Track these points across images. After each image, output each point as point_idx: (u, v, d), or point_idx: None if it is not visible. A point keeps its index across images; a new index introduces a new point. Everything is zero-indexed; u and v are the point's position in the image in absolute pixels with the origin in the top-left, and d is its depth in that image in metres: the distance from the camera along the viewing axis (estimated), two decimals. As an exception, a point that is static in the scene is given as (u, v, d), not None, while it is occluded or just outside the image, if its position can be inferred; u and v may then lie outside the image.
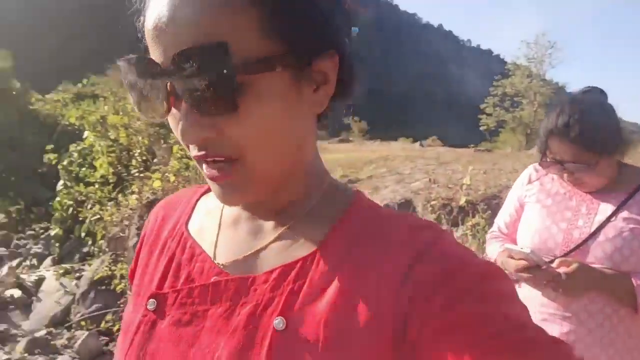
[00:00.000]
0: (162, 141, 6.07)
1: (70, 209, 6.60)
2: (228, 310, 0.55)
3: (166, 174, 5.18)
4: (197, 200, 0.71)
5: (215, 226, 0.64)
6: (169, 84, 0.48)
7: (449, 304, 0.47)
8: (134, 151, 6.18)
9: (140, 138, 6.27)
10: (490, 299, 0.48)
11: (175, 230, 0.67)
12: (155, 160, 5.99)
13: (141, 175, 5.60)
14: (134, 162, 6.04)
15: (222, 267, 0.59)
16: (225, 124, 0.48)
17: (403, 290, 0.49)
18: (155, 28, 0.47)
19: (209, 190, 0.69)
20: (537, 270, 1.42)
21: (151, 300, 0.60)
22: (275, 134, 0.51)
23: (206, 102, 0.47)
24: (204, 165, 0.52)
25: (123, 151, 6.37)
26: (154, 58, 0.48)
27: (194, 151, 0.52)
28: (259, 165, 0.52)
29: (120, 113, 6.70)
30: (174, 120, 0.51)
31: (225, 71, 0.45)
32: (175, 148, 5.46)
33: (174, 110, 0.50)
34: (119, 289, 4.60)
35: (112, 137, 6.52)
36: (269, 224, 0.60)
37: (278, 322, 0.51)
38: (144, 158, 6.09)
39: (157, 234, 0.69)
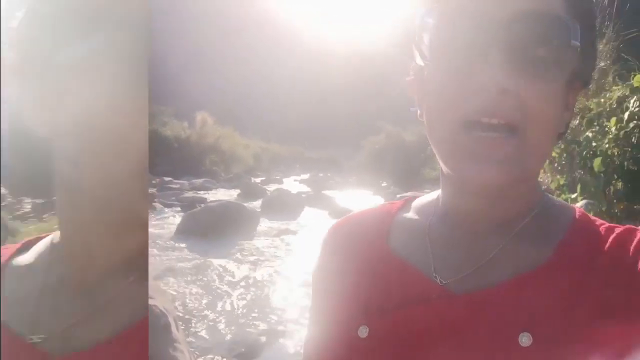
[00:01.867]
0: None
1: None
2: (460, 331, 0.51)
3: None
4: (392, 217, 0.66)
5: (425, 244, 0.59)
6: (499, 34, 0.47)
7: None
8: None
9: None
10: None
11: (374, 250, 0.62)
12: None
13: None
14: None
15: (444, 284, 0.54)
16: (530, 85, 0.48)
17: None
18: None
19: (400, 207, 0.67)
20: None
21: (362, 327, 0.55)
22: (558, 116, 0.52)
23: (534, 63, 0.48)
24: (468, 136, 0.49)
25: None
26: (477, 7, 0.48)
27: (476, 106, 0.49)
28: (536, 140, 0.50)
29: None
30: (468, 71, 0.49)
31: (565, 40, 0.48)
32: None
33: (479, 57, 0.48)
34: None
35: None
36: (487, 239, 0.56)
37: (524, 339, 0.48)
38: None
39: (347, 257, 0.64)
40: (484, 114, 0.48)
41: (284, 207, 13.09)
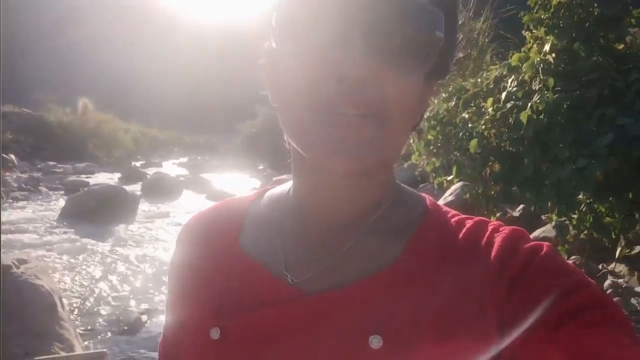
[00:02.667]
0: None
1: None
2: (311, 333, 0.49)
3: None
4: (245, 212, 0.63)
5: (276, 240, 0.57)
6: (359, 16, 0.44)
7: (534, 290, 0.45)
8: None
9: None
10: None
11: (226, 248, 0.59)
12: None
13: None
14: None
15: (294, 284, 0.52)
16: (391, 74, 0.45)
17: (499, 285, 0.47)
18: None
19: (253, 200, 0.65)
20: None
21: (214, 329, 0.52)
22: (418, 106, 0.50)
23: (396, 50, 0.45)
24: (321, 121, 0.46)
25: None
26: None
27: (332, 95, 0.45)
28: (393, 130, 0.48)
29: None
30: (324, 56, 0.45)
31: (430, 29, 0.46)
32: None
33: (335, 42, 0.44)
34: None
35: None
36: (341, 231, 0.54)
37: (375, 341, 0.46)
38: None
39: (199, 255, 0.61)
40: (342, 104, 0.45)
41: (163, 190, 13.52)
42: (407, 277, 0.50)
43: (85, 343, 4.02)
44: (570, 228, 3.47)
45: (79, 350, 3.45)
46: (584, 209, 3.26)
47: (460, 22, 0.54)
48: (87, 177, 17.72)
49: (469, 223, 0.54)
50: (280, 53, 0.49)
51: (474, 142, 3.74)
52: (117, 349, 4.24)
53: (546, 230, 4.03)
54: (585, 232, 3.44)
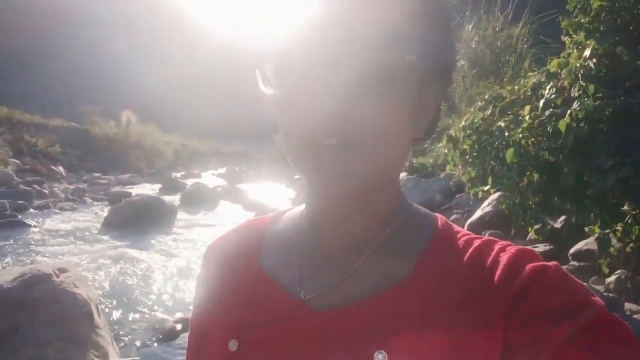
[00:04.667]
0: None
1: None
2: (320, 348, 0.52)
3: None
4: (264, 232, 0.68)
5: (292, 258, 0.60)
6: (333, 52, 0.47)
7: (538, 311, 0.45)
8: None
9: None
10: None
11: (246, 267, 0.63)
12: None
13: None
14: None
15: (306, 301, 0.55)
16: (367, 103, 0.48)
17: (502, 303, 0.47)
18: (327, 10, 0.48)
19: (271, 221, 0.69)
20: None
21: (232, 341, 0.56)
22: (400, 131, 0.51)
23: (371, 79, 0.47)
24: (311, 153, 0.50)
25: None
26: (314, 39, 0.48)
27: (315, 128, 0.49)
28: (374, 153, 0.50)
29: None
30: (306, 93, 0.49)
31: (403, 55, 0.47)
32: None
33: (313, 85, 0.48)
34: None
35: None
36: (351, 250, 0.57)
37: (380, 356, 0.48)
38: None
39: (222, 274, 0.65)
40: (326, 137, 0.48)
41: (201, 200, 13.74)
42: (414, 296, 0.51)
43: (121, 351, 4.09)
44: (615, 240, 3.35)
45: (114, 358, 3.52)
46: (629, 221, 3.12)
47: (453, 24, 0.56)
48: (129, 188, 18.28)
49: (476, 242, 0.55)
50: (271, 96, 0.54)
51: (510, 151, 3.63)
52: (152, 357, 4.32)
53: (589, 242, 3.86)
54: (631, 244, 3.31)
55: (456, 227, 0.60)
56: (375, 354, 0.49)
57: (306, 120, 0.50)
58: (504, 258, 0.51)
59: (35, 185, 15.90)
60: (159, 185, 19.19)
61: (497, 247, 0.53)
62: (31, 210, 12.85)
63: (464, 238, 0.56)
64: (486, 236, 0.57)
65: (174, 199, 13.90)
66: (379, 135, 0.49)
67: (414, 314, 0.50)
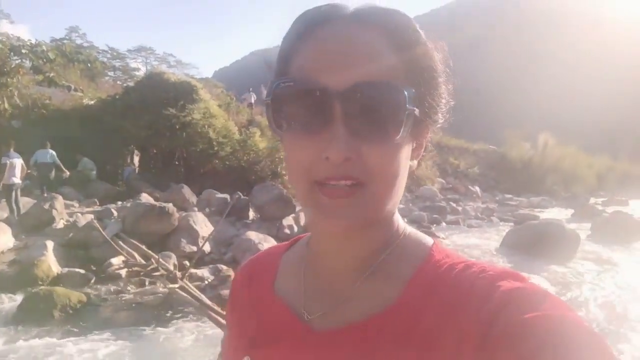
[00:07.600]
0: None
1: None
2: None
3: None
4: (280, 258, 0.74)
5: (300, 281, 0.66)
6: (338, 106, 0.51)
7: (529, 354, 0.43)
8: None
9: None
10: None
11: (263, 290, 0.70)
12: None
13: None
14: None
15: (308, 321, 0.61)
16: (369, 149, 0.52)
17: (485, 338, 0.47)
18: (332, 54, 0.53)
19: (288, 247, 0.76)
20: None
21: (246, 357, 0.64)
22: (399, 169, 0.55)
23: (371, 128, 0.52)
24: (320, 192, 0.54)
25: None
26: (318, 81, 0.52)
27: (324, 172, 0.53)
28: (380, 192, 0.54)
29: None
30: (315, 141, 0.53)
31: (398, 106, 0.52)
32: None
33: (322, 131, 0.52)
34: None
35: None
36: (348, 275, 0.61)
37: None
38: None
39: (246, 293, 0.73)
40: (332, 179, 0.52)
41: (617, 232, 12.22)
42: (400, 320, 0.55)
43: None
44: None
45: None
46: None
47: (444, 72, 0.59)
48: (539, 211, 18.21)
49: (459, 267, 0.56)
50: (282, 141, 0.59)
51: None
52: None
53: None
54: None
55: (446, 251, 0.61)
56: None
57: (316, 164, 0.53)
58: (479, 282, 0.53)
59: (451, 202, 17.78)
60: (572, 211, 18.40)
61: (475, 270, 0.55)
62: (443, 224, 14.53)
63: (449, 263, 0.58)
64: (472, 260, 0.58)
65: (584, 226, 13.08)
66: (386, 177, 0.54)
67: (400, 337, 0.53)
